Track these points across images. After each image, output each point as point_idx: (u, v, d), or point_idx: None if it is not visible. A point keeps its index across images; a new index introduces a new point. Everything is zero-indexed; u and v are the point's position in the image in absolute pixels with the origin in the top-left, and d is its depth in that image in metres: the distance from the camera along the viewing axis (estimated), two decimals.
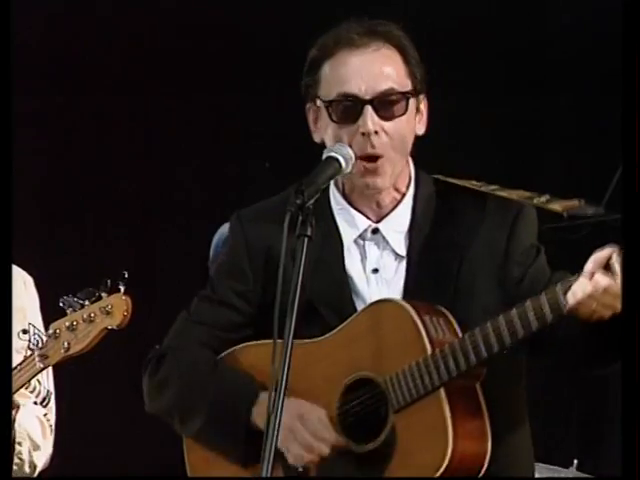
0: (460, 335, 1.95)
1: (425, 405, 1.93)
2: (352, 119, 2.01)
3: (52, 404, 2.41)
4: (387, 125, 2.01)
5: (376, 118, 1.99)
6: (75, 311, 2.07)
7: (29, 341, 2.28)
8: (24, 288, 2.42)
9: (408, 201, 2.09)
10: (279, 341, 1.75)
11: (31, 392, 2.31)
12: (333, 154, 1.95)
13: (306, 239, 1.80)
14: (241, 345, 2.13)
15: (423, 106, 2.10)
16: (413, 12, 3.70)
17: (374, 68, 2.01)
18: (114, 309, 2.03)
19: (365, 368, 1.99)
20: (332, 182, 2.05)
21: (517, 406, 2.10)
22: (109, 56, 4.16)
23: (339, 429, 1.99)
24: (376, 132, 1.99)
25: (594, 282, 1.78)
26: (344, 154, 1.95)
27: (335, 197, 2.12)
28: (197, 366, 2.12)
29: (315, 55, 2.06)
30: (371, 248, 2.08)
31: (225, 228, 2.28)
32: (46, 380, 2.37)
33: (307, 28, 3.87)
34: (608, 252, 1.77)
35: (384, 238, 2.06)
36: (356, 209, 2.09)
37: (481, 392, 1.94)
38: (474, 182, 2.10)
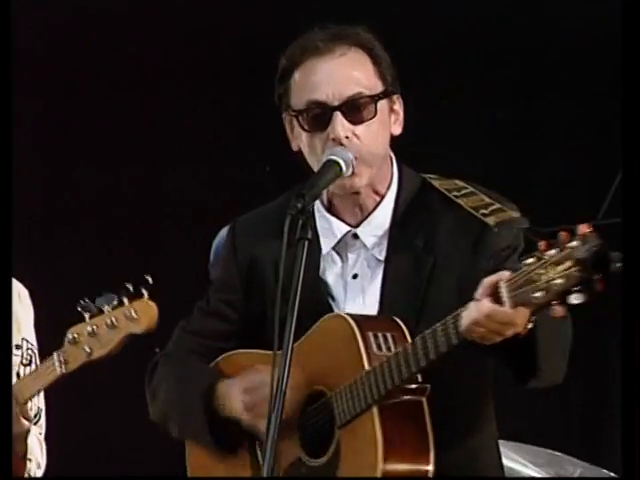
0: None
1: (362, 422, 1.93)
2: (322, 126, 2.01)
3: (42, 421, 2.37)
4: (358, 129, 2.00)
5: (346, 123, 1.99)
6: (94, 316, 2.04)
7: (22, 356, 2.27)
8: (18, 300, 2.36)
9: (388, 204, 2.08)
10: (278, 352, 1.78)
11: None
12: (333, 157, 1.95)
13: (306, 242, 1.81)
14: (231, 352, 2.14)
15: (398, 106, 2.09)
16: (413, 13, 3.70)
17: (340, 73, 2.01)
18: (140, 314, 2.01)
19: (319, 382, 2.01)
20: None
21: (482, 410, 2.10)
22: (110, 58, 4.16)
23: (298, 441, 2.02)
24: (347, 137, 1.99)
25: (478, 309, 1.78)
26: (345, 158, 1.95)
27: (317, 205, 2.09)
28: (182, 373, 2.14)
29: (284, 65, 2.06)
30: (352, 254, 2.08)
31: (225, 231, 2.29)
32: (36, 397, 2.30)
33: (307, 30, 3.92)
34: (496, 278, 1.76)
35: (363, 243, 2.06)
36: (336, 216, 2.10)
37: (427, 407, 1.93)
38: (457, 182, 2.09)
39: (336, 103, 1.99)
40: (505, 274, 1.76)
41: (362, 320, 1.98)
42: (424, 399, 1.93)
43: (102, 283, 2.13)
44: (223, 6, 4.12)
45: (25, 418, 2.12)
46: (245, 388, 2.01)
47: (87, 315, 2.04)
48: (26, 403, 2.13)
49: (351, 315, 2.00)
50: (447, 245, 2.03)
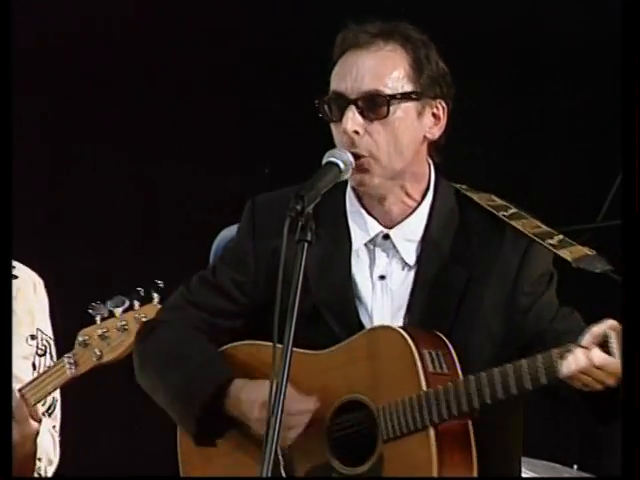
0: (459, 369, 1.93)
1: (414, 441, 1.91)
2: (339, 117, 2.01)
3: (57, 412, 2.33)
4: (372, 126, 2.00)
5: (358, 118, 1.99)
6: (105, 319, 2.02)
7: (37, 347, 2.25)
8: (33, 291, 2.33)
9: (424, 210, 2.06)
10: (279, 345, 1.75)
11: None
12: (332, 159, 1.94)
13: (306, 244, 1.80)
14: (243, 343, 2.11)
15: (439, 111, 2.05)
16: (416, 13, 3.69)
17: (365, 67, 2.00)
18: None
19: (360, 391, 1.97)
20: (349, 185, 2.05)
21: (512, 435, 2.09)
22: (108, 58, 4.16)
23: (327, 446, 1.99)
24: (357, 132, 1.99)
25: (589, 358, 1.76)
26: (344, 159, 1.94)
27: (350, 200, 2.11)
28: (187, 354, 2.09)
29: (333, 56, 2.07)
30: (380, 254, 2.06)
31: (225, 232, 2.28)
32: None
33: (310, 33, 3.91)
34: (605, 327, 1.76)
35: (394, 245, 2.05)
36: (369, 214, 2.08)
37: (472, 427, 1.92)
38: (494, 198, 2.07)
39: (353, 96, 1.99)
40: (613, 323, 1.75)
41: (416, 336, 1.94)
42: (470, 421, 1.92)
43: (110, 285, 2.12)
44: (226, 9, 4.13)
45: (34, 419, 2.10)
46: (264, 402, 1.90)
47: (98, 317, 2.03)
48: (35, 405, 2.11)
49: (405, 329, 1.97)
50: (487, 262, 2.02)
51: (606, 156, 4.02)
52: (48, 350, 2.28)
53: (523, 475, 3.00)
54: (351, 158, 1.96)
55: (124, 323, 2.00)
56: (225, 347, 2.12)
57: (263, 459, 1.73)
